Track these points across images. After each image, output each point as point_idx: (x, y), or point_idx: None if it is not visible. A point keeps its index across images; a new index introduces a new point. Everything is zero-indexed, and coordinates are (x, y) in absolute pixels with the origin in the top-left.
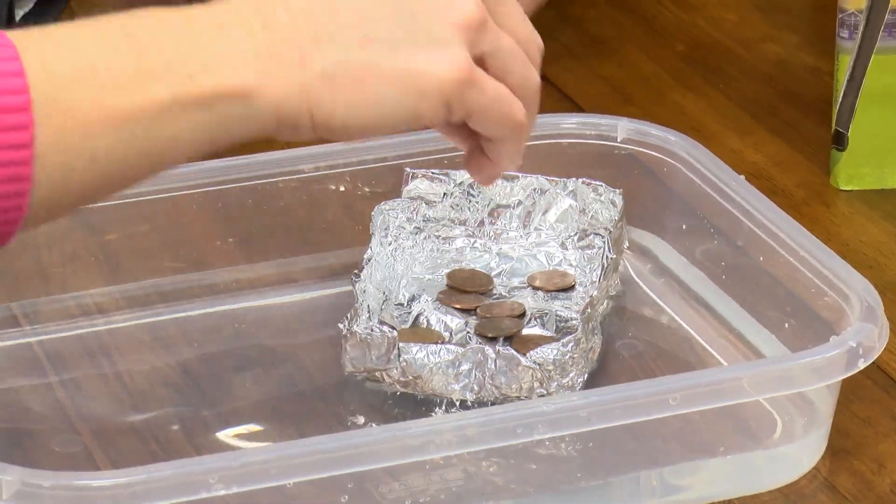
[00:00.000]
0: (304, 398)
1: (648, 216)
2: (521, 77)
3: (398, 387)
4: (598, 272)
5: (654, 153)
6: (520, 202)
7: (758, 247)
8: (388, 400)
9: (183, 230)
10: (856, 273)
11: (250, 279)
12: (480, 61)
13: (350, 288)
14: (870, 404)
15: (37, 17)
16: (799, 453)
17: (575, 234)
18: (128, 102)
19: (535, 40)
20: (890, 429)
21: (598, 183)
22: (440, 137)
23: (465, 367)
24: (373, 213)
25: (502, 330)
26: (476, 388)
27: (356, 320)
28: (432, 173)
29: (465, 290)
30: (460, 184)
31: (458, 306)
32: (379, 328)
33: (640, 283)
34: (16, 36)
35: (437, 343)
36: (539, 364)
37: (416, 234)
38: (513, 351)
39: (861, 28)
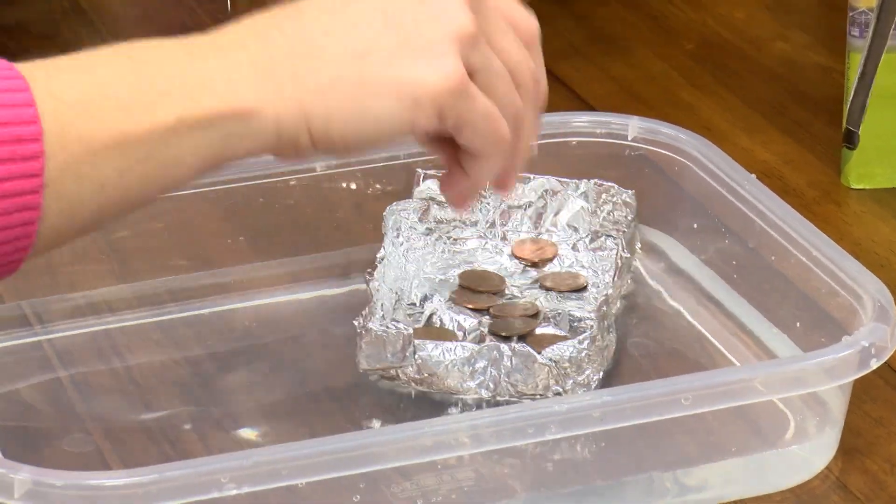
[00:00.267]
0: (315, 397)
1: (659, 215)
2: (505, 100)
3: (413, 384)
4: (612, 272)
5: (665, 152)
6: (531, 203)
7: (769, 246)
8: (401, 400)
9: (193, 228)
10: (868, 273)
11: (260, 277)
12: (470, 76)
13: (360, 286)
14: (882, 404)
15: None
16: (811, 453)
17: (587, 236)
18: (134, 126)
19: (528, 66)
20: None
21: (609, 184)
22: None
23: (480, 364)
24: (385, 214)
25: (516, 329)
26: (491, 385)
27: (371, 318)
28: (444, 173)
29: (477, 290)
30: None
31: (470, 306)
32: (395, 325)
33: (652, 283)
34: (24, 67)
35: (452, 341)
36: (555, 361)
37: (428, 234)
38: (529, 348)
39: (872, 26)
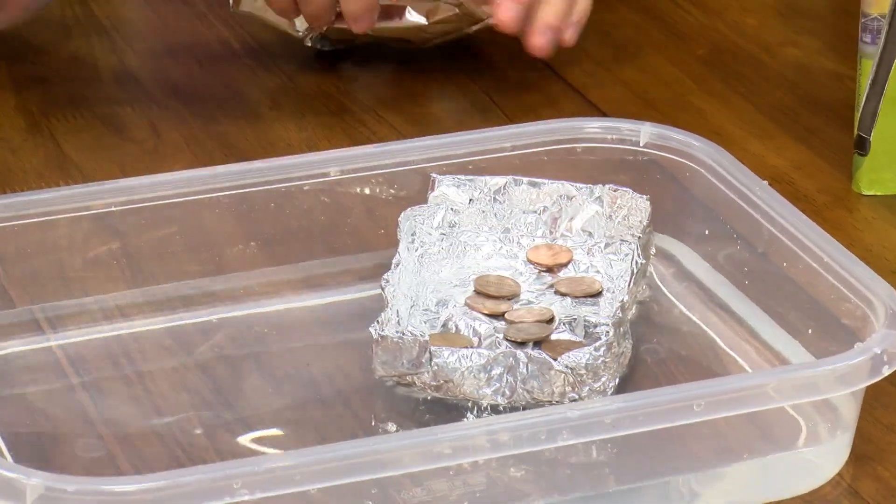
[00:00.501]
0: (327, 403)
1: (671, 221)
2: None
3: (429, 391)
4: (628, 277)
5: (676, 158)
6: (546, 208)
7: (781, 252)
8: (416, 406)
9: (205, 234)
10: (880, 279)
11: (273, 283)
12: None
13: (372, 292)
14: (893, 411)
15: None
16: (823, 459)
17: (601, 241)
18: None
19: None
20: None
21: (625, 189)
22: (466, 141)
23: (496, 371)
24: (400, 219)
25: (531, 335)
26: (507, 392)
27: (387, 324)
28: (458, 179)
29: (492, 295)
30: (487, 190)
31: (486, 312)
32: (410, 332)
33: (663, 288)
34: None
35: (468, 347)
36: (571, 368)
37: (443, 239)
38: (545, 355)
39: (884, 32)
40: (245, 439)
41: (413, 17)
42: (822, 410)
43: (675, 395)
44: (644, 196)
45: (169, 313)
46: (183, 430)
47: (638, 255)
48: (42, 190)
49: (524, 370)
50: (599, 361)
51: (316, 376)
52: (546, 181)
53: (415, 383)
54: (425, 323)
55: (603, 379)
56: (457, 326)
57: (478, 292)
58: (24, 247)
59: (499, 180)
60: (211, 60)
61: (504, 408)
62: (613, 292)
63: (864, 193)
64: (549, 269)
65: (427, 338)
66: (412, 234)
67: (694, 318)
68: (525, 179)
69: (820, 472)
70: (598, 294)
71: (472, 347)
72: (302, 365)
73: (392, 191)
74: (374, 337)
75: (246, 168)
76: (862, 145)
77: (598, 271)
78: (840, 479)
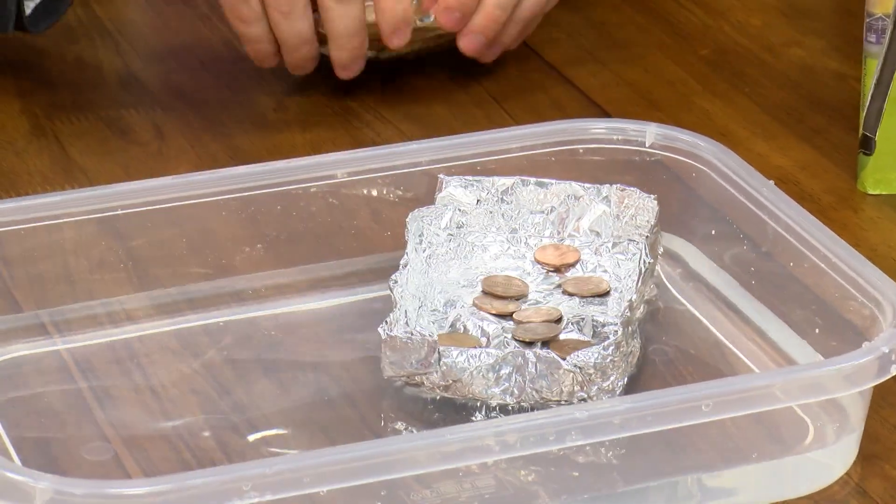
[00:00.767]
0: (334, 404)
1: (677, 221)
2: None
3: (438, 391)
4: (636, 277)
5: (682, 158)
6: (553, 208)
7: (788, 252)
8: (425, 406)
9: (212, 236)
10: (887, 278)
11: (279, 285)
12: None
13: (380, 293)
14: None
15: (46, 10)
16: (830, 459)
17: (609, 241)
18: None
19: None
20: None
21: (632, 189)
22: (473, 143)
23: (505, 370)
24: (407, 220)
25: (539, 335)
26: (516, 391)
27: (395, 325)
28: (466, 180)
29: (500, 295)
30: (494, 190)
31: (493, 312)
32: (419, 332)
33: (670, 288)
34: None
35: (476, 347)
36: (580, 368)
37: (450, 240)
38: (553, 355)
39: (889, 32)
40: (253, 441)
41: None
42: (829, 410)
43: (683, 396)
44: (651, 196)
45: (175, 316)
46: (191, 432)
47: (646, 254)
48: (47, 193)
49: (533, 370)
50: (608, 360)
51: (324, 377)
52: (553, 181)
53: (423, 383)
54: (433, 323)
55: (612, 378)
56: (465, 327)
57: (485, 293)
58: (29, 250)
59: (506, 181)
60: (215, 63)
61: (512, 407)
62: (621, 292)
63: (869, 193)
64: (557, 269)
65: (436, 338)
66: (420, 235)
67: (701, 318)
68: (532, 180)
69: (828, 471)
70: (606, 294)
71: (480, 347)
72: (310, 366)
73: (399, 192)
74: (383, 337)
75: (252, 171)
76: (867, 145)
77: (605, 271)
78: (848, 478)
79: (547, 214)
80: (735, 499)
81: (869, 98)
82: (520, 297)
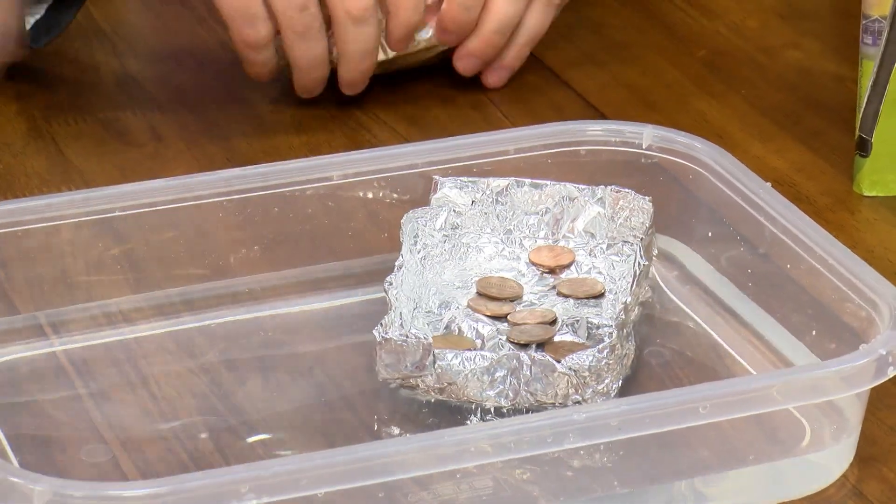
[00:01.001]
0: (331, 406)
1: (674, 223)
2: None
3: (433, 393)
4: (630, 279)
5: (679, 160)
6: (548, 209)
7: (785, 254)
8: (420, 409)
9: (208, 238)
10: (884, 280)
11: (276, 287)
12: None
13: (376, 295)
14: None
15: (49, 24)
16: (828, 461)
17: (603, 242)
18: None
19: None
20: None
21: (626, 190)
22: (468, 144)
23: (500, 373)
24: (402, 221)
25: (534, 337)
26: (511, 394)
27: (390, 327)
28: (461, 181)
29: (495, 297)
30: (489, 191)
31: (488, 313)
32: (414, 335)
33: (667, 291)
34: None
35: (471, 349)
36: (574, 370)
37: (445, 241)
38: (548, 357)
39: (885, 34)
40: (250, 443)
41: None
42: (826, 412)
43: (681, 398)
44: (646, 197)
45: (173, 317)
46: (188, 434)
47: (640, 256)
48: (44, 195)
49: (528, 372)
50: (603, 363)
51: (320, 379)
52: (548, 183)
53: (418, 386)
54: (428, 325)
55: (606, 381)
56: (459, 328)
57: (480, 294)
58: (26, 252)
59: (501, 182)
60: (212, 65)
61: (507, 410)
62: (616, 294)
63: (865, 195)
64: (552, 271)
65: (430, 340)
66: (414, 237)
67: (697, 320)
68: (527, 181)
69: (825, 473)
70: (601, 295)
71: (475, 350)
72: (306, 368)
73: (394, 194)
74: (378, 339)
75: (248, 172)
76: (863, 147)
77: (600, 273)
78: (845, 480)
79: (542, 216)
80: (732, 501)
81: (865, 100)
82: (514, 299)
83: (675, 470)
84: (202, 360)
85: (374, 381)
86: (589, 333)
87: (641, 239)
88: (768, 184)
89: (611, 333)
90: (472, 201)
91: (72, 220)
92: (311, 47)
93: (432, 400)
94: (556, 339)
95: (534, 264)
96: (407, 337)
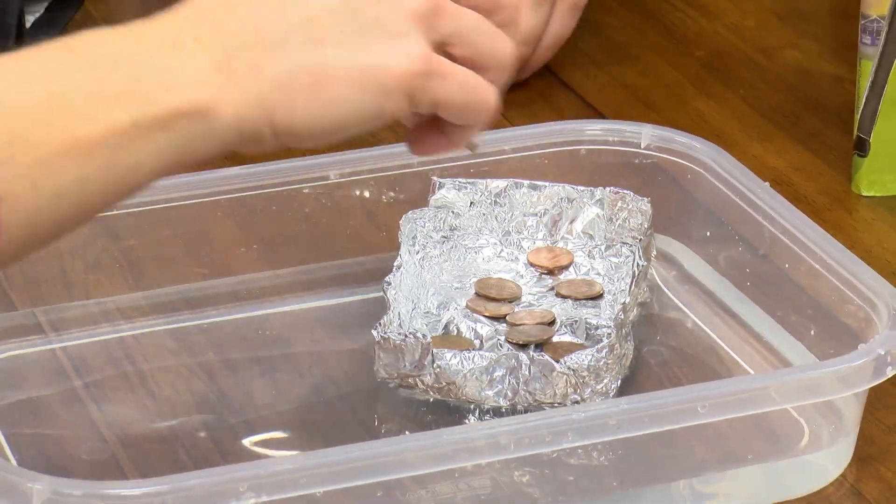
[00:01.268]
0: (330, 405)
1: (673, 223)
2: (489, 49)
3: (432, 393)
4: (629, 280)
5: (678, 160)
6: (546, 211)
7: (783, 254)
8: (419, 408)
9: (207, 237)
10: (882, 280)
11: (274, 286)
12: (443, 45)
13: (374, 295)
14: (895, 411)
15: (48, 22)
16: (826, 461)
17: (602, 244)
18: (88, 131)
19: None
20: None
21: (625, 191)
22: None
23: (498, 373)
24: (401, 222)
25: (533, 337)
26: (510, 394)
27: (389, 327)
28: (459, 182)
29: (493, 298)
30: (487, 192)
31: (487, 314)
32: (412, 334)
33: (665, 290)
34: None
35: (470, 349)
36: (573, 370)
37: (443, 242)
38: (547, 357)
39: (884, 34)
40: (249, 442)
41: None
42: (824, 412)
43: (679, 397)
44: (645, 198)
45: (171, 316)
46: (187, 432)
47: (639, 257)
48: None
49: (526, 372)
50: (601, 363)
51: (318, 379)
52: (546, 184)
53: (417, 385)
54: (427, 325)
55: (605, 380)
56: (458, 329)
57: (479, 295)
58: None
59: (499, 183)
60: None
61: (506, 410)
62: (614, 294)
63: (863, 195)
64: (550, 272)
65: (429, 340)
66: (413, 237)
67: (696, 320)
68: (526, 182)
69: (823, 473)
70: (599, 296)
71: (473, 349)
72: (304, 368)
73: (393, 194)
74: (377, 339)
75: (247, 171)
76: (861, 147)
77: (598, 273)
78: (843, 480)
79: (540, 217)
80: (730, 501)
81: (864, 100)
82: (513, 300)
83: (673, 470)
84: (201, 358)
85: (372, 381)
86: (587, 334)
87: (640, 240)
88: (766, 183)
89: (609, 333)
90: (471, 202)
91: None
92: None
93: (431, 399)
94: (555, 339)
95: (532, 265)
96: (406, 336)
